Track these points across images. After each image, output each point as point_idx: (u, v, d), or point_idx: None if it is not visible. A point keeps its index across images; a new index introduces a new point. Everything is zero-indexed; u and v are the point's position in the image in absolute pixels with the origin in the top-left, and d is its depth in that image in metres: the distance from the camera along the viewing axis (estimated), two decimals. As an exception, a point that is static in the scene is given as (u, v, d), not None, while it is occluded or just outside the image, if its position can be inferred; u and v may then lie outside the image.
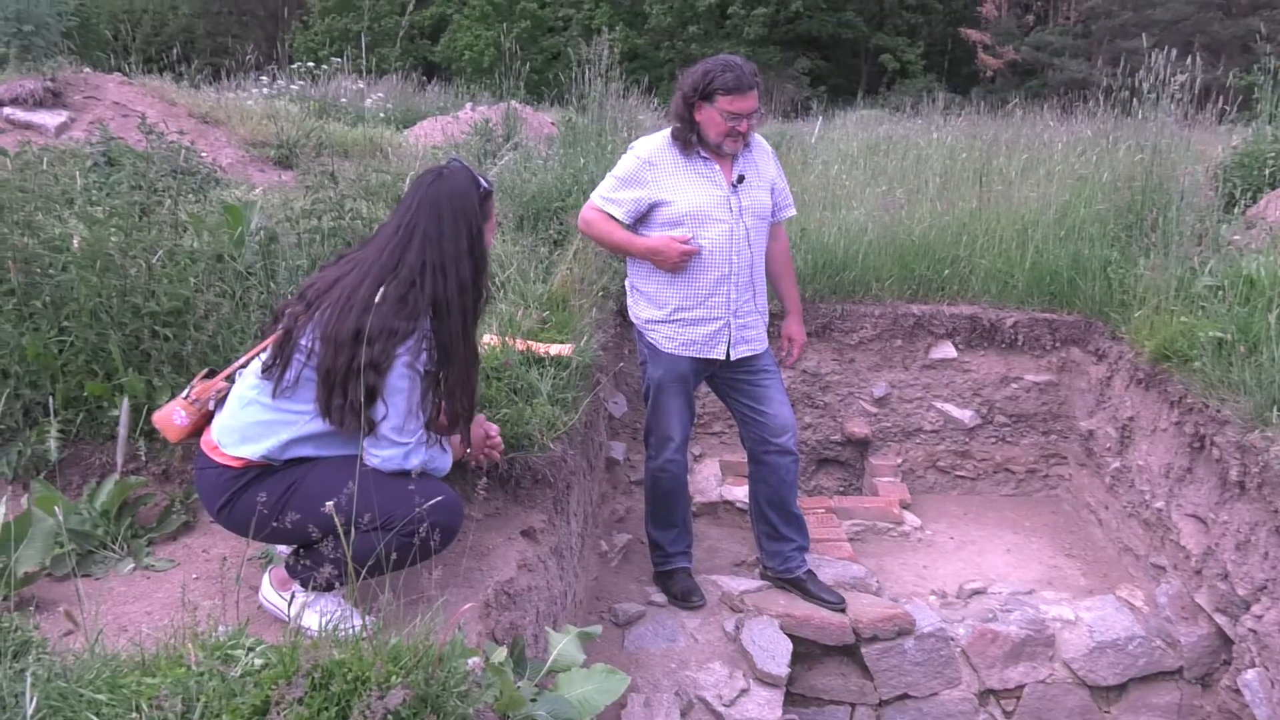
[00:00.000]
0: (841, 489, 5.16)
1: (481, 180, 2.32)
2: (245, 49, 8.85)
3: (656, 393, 3.51)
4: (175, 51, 7.88)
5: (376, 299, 2.10)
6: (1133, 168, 5.32)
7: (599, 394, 4.12)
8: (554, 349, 3.39)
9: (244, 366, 2.30)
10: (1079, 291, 4.83)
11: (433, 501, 2.05)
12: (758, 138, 3.44)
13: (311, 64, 9.22)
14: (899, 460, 5.06)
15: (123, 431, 1.44)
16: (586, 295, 4.12)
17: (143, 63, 7.42)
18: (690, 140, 3.27)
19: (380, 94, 10.04)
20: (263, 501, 2.01)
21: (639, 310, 3.47)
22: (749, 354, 3.47)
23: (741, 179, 3.33)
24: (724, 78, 3.14)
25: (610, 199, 3.33)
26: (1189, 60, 5.37)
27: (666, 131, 3.38)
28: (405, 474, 2.20)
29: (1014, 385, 4.97)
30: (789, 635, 3.46)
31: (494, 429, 2.61)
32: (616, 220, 3.32)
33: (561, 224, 4.98)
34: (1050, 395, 4.97)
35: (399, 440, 2.16)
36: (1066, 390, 4.95)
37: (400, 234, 2.23)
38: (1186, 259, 4.39)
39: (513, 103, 8.28)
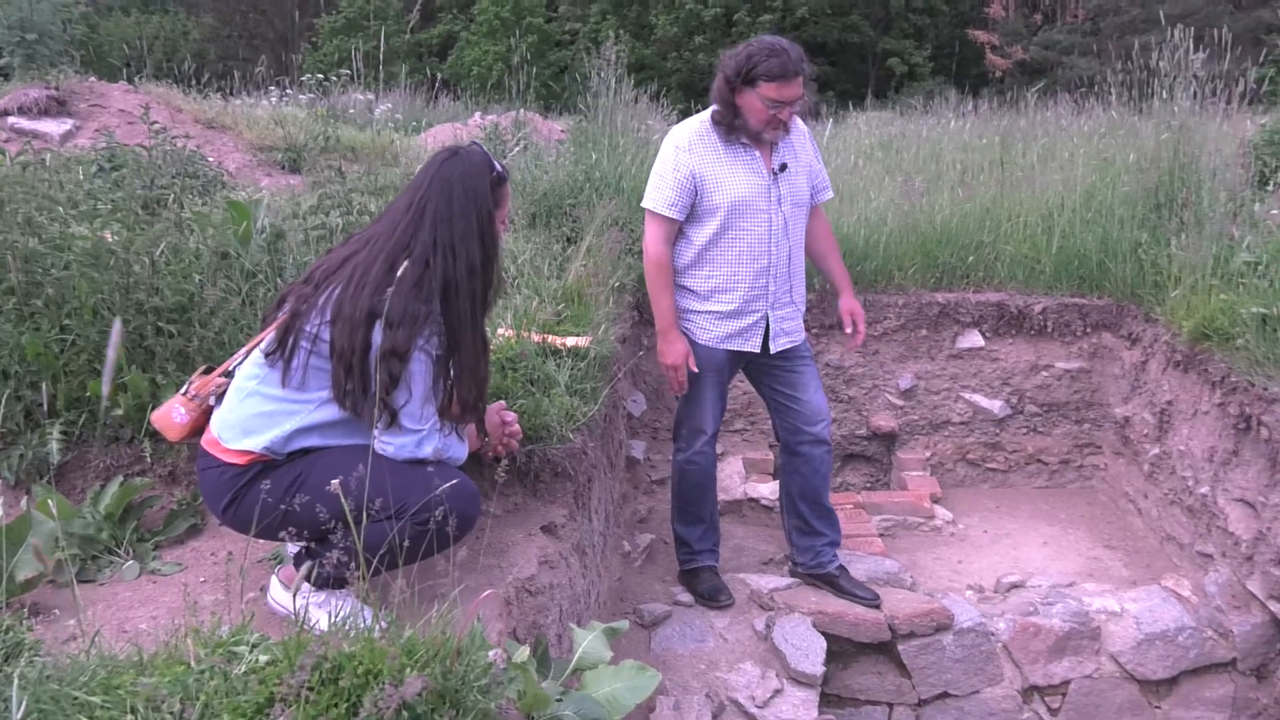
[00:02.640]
0: (869, 484, 5.02)
1: (496, 164, 2.22)
2: (255, 65, 8.82)
3: (690, 382, 3.39)
4: (187, 65, 7.82)
5: (399, 277, 2.00)
6: (1158, 148, 5.16)
7: (618, 390, 4.01)
8: (570, 341, 3.28)
9: (245, 359, 2.20)
10: (1109, 275, 4.68)
11: (449, 484, 1.93)
12: (795, 119, 3.31)
13: (320, 75, 9.18)
14: (927, 454, 4.91)
15: (112, 353, 1.32)
16: (602, 288, 4.01)
17: (154, 77, 7.36)
18: (733, 124, 3.13)
19: (389, 105, 9.99)
20: (267, 490, 1.90)
21: (678, 299, 3.35)
22: (788, 345, 3.36)
23: (784, 167, 3.20)
24: (768, 63, 2.98)
25: (663, 199, 3.17)
26: (1202, 48, 5.24)
27: (704, 115, 3.24)
28: (419, 463, 2.09)
29: (1044, 373, 4.81)
30: (822, 633, 3.33)
31: (511, 416, 2.50)
32: (670, 220, 3.18)
33: (575, 220, 4.87)
34: (1082, 383, 4.81)
35: (413, 427, 2.06)
36: (1099, 377, 4.80)
37: (412, 212, 2.12)
38: (1223, 236, 4.24)
39: (522, 110, 8.21)
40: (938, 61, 37.78)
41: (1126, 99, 5.89)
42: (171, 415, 2.18)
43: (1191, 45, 5.19)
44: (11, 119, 5.07)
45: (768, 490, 4.43)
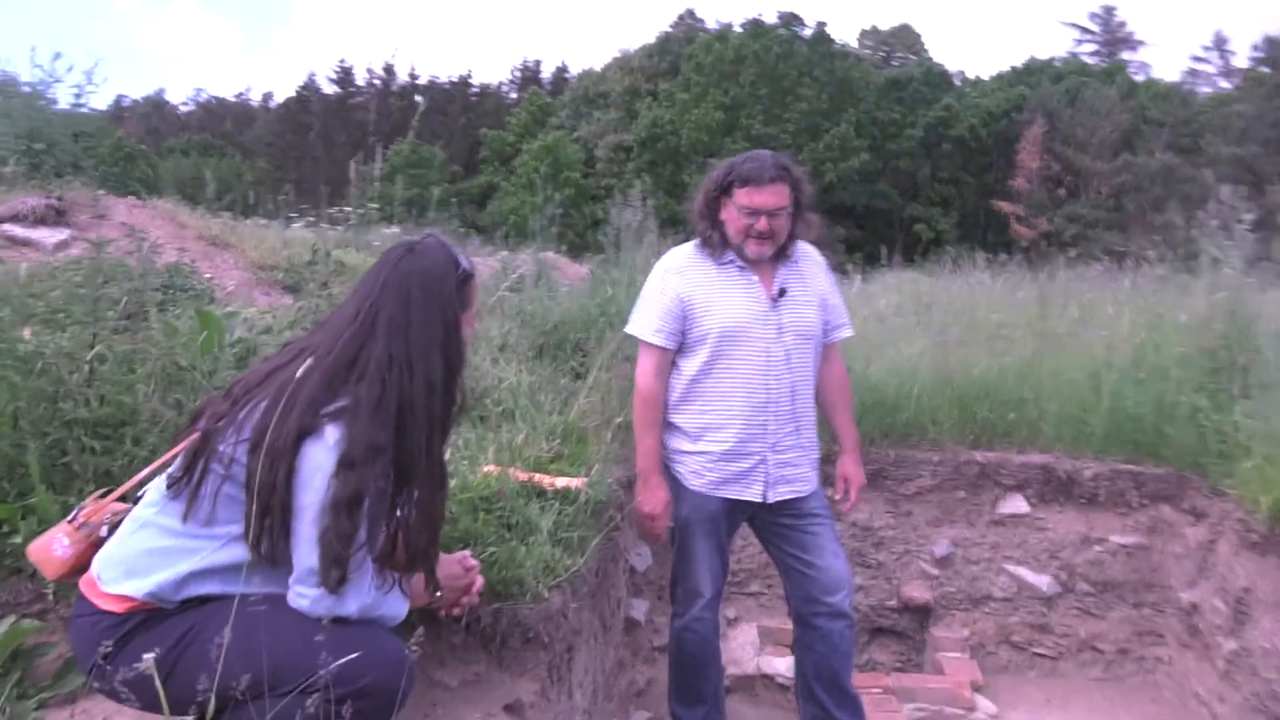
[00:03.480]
0: (899, 664, 4.44)
1: (462, 260, 1.90)
2: (280, 194, 8.85)
3: (682, 535, 2.97)
4: (218, 195, 7.78)
5: (354, 400, 1.66)
6: (1210, 309, 4.83)
7: (617, 541, 3.56)
8: (560, 481, 2.88)
9: (152, 479, 1.82)
10: (1166, 441, 4.24)
11: (350, 658, 1.50)
12: (807, 247, 3.04)
13: (348, 209, 9.21)
14: (966, 632, 4.35)
15: None
16: (607, 428, 3.64)
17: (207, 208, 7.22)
18: (714, 240, 2.89)
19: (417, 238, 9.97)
20: (102, 652, 1.49)
21: (664, 437, 2.99)
22: (791, 496, 2.94)
23: (783, 292, 2.90)
24: (742, 168, 2.80)
25: (649, 326, 2.91)
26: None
27: (695, 241, 3.01)
28: (341, 622, 1.66)
29: (1097, 548, 4.31)
30: None
31: (473, 564, 2.08)
32: (661, 349, 2.91)
33: (584, 355, 4.57)
34: (1141, 560, 4.29)
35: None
36: (1159, 555, 4.28)
37: (361, 319, 1.79)
38: (1295, 402, 3.82)
39: (551, 253, 8.13)
40: (964, 229, 38.56)
41: (1170, 259, 5.62)
42: (52, 548, 1.79)
43: (1240, 205, 4.99)
44: (6, 226, 4.93)
45: (784, 666, 3.89)
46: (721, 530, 2.97)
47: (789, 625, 4.26)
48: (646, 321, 2.91)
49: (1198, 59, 53.43)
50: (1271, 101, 38.16)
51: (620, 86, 45.39)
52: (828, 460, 3.26)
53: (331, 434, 1.65)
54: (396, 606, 1.77)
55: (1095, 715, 4.00)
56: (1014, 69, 47.95)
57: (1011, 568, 4.35)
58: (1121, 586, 4.31)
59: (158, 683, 1.21)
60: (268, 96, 60.19)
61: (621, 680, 3.82)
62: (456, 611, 2.05)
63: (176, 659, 1.59)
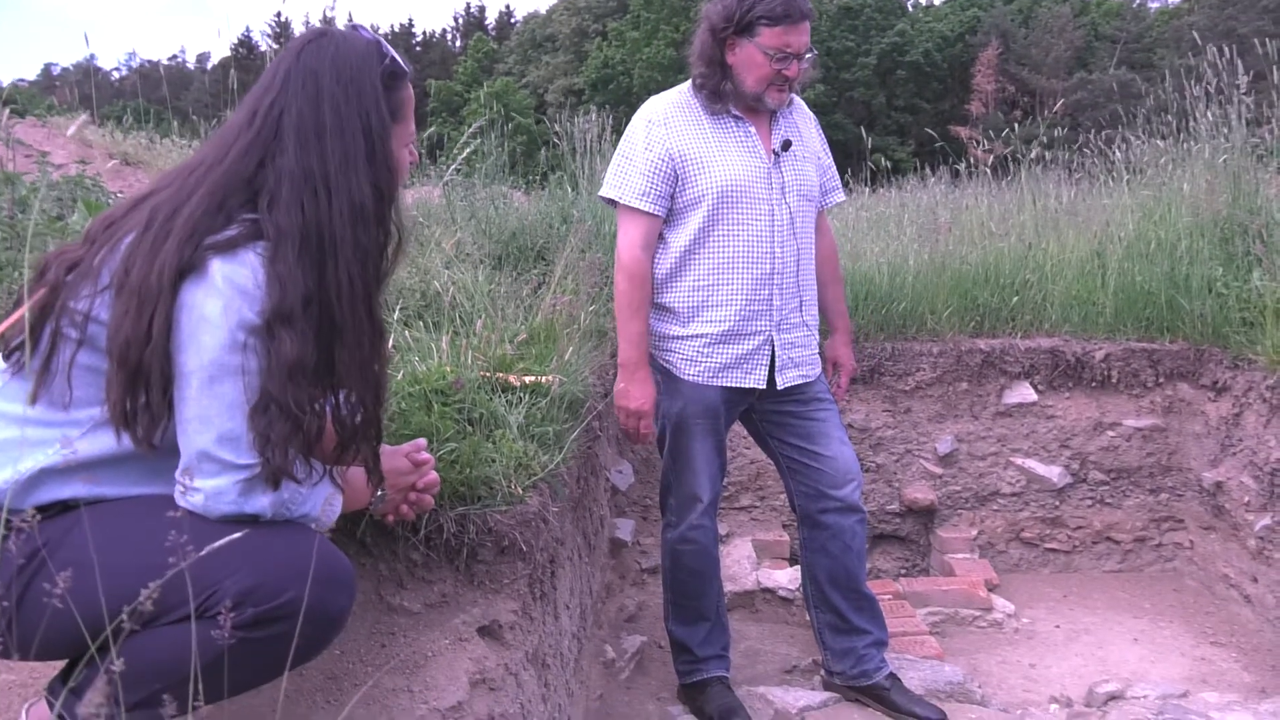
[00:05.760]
0: (904, 570, 4.16)
1: (390, 51, 1.47)
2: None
3: (676, 435, 2.59)
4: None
5: (275, 231, 1.28)
6: (1215, 176, 4.53)
7: (595, 452, 3.20)
8: (529, 378, 2.49)
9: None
10: (1182, 314, 3.95)
11: (263, 568, 1.12)
12: (797, 99, 2.65)
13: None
14: (974, 532, 4.08)
15: None
16: (576, 327, 3.25)
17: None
18: (722, 89, 2.46)
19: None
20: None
21: (653, 323, 2.60)
22: (800, 381, 2.58)
23: (787, 145, 2.51)
24: (768, 3, 2.35)
25: (631, 188, 2.45)
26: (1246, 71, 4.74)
27: (683, 85, 2.59)
28: (247, 522, 1.27)
29: (1110, 433, 4.03)
30: (876, 771, 2.45)
31: (426, 458, 1.68)
32: (649, 216, 2.47)
33: (547, 264, 4.17)
34: (1157, 443, 4.02)
35: (236, 461, 1.25)
36: (1176, 436, 4.01)
37: (260, 124, 1.35)
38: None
39: (504, 188, 7.65)
40: (921, 157, 38.38)
41: (1170, 127, 5.30)
42: None
43: (1240, 67, 4.69)
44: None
45: (785, 578, 3.59)
46: (721, 425, 2.60)
47: (785, 538, 3.99)
48: (629, 183, 2.48)
49: (1146, -27, 53.23)
50: (1222, 11, 38.07)
51: (568, 28, 44.21)
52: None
53: (220, 272, 1.24)
54: (324, 503, 1.38)
55: (1119, 607, 3.76)
56: (965, -9, 47.35)
57: (1020, 460, 4.06)
58: (1137, 472, 4.04)
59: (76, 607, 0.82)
60: (203, 57, 58.04)
61: (610, 606, 3.49)
62: (407, 513, 1.66)
63: (25, 586, 1.20)
